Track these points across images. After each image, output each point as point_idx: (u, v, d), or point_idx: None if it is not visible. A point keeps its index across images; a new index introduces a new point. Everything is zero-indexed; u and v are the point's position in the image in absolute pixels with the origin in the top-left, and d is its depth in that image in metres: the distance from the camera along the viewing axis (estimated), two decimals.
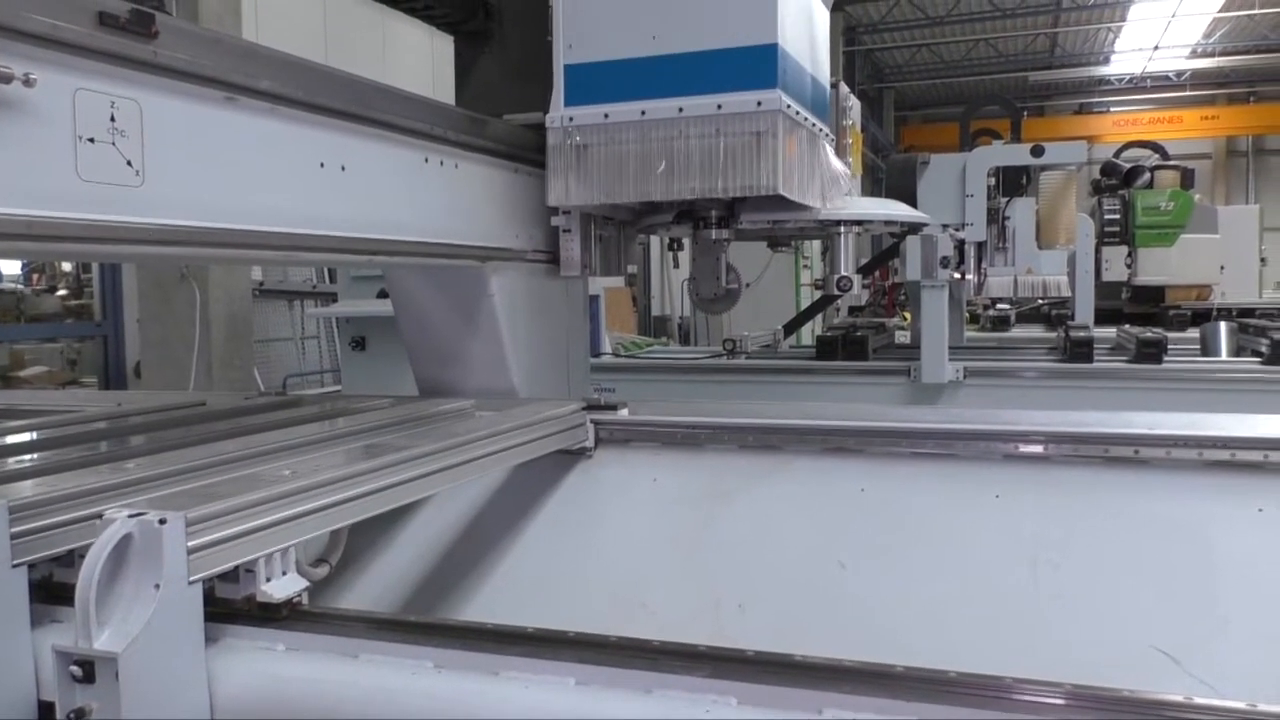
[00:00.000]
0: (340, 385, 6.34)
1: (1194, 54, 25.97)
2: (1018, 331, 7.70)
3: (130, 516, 1.23)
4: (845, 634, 2.01)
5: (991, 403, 4.57)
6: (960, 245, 5.15)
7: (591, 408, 2.42)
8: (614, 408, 2.45)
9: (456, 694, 1.22)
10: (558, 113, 2.47)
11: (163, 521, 1.22)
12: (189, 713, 1.25)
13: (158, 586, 1.21)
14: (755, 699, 1.14)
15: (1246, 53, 25.67)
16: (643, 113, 2.38)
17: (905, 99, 34.31)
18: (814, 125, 2.62)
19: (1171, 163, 8.99)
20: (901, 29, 27.06)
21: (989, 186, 5.25)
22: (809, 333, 7.19)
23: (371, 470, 1.61)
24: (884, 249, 6.91)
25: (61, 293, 10.69)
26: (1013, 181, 5.36)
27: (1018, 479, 2.10)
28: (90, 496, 1.45)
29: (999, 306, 7.34)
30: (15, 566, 1.33)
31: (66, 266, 11.20)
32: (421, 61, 11.95)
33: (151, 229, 1.67)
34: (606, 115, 2.42)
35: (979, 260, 5.36)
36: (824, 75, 2.74)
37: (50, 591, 1.40)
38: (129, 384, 6.86)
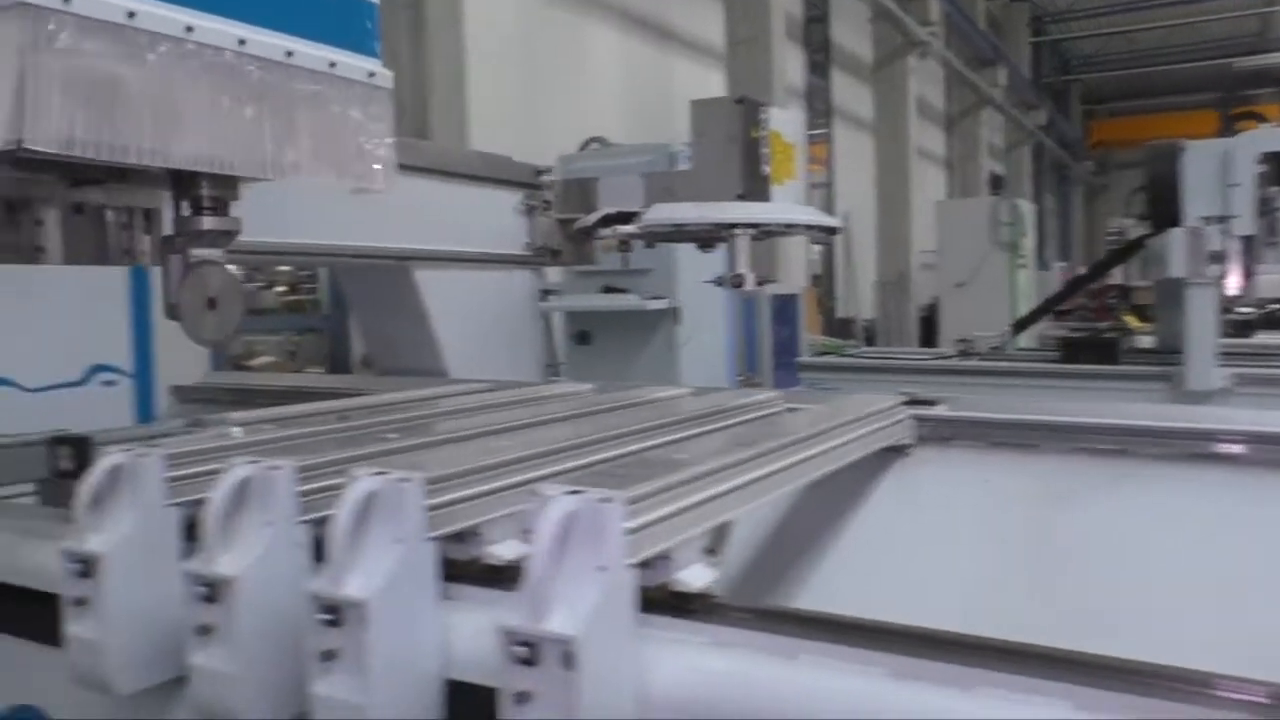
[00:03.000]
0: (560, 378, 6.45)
1: None
2: (1264, 337, 7.04)
3: (568, 495, 1.17)
4: (1226, 659, 1.78)
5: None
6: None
7: (911, 402, 2.26)
8: (931, 403, 2.29)
9: (924, 710, 1.09)
10: None
11: (606, 500, 1.15)
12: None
13: (603, 569, 1.13)
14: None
15: None
16: None
17: (1092, 93, 32.55)
18: (269, 52, 1.62)
19: None
20: (1091, 17, 25.64)
21: (1259, 175, 4.79)
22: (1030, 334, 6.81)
23: (755, 457, 1.52)
24: (1119, 248, 6.44)
25: (279, 289, 11.35)
26: None
27: None
28: (494, 470, 1.42)
29: (1271, 308, 6.72)
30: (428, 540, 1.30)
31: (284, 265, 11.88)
32: (614, 61, 12.14)
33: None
34: None
35: (1247, 256, 4.91)
36: None
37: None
38: (359, 373, 7.15)
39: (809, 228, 2.94)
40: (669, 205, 2.82)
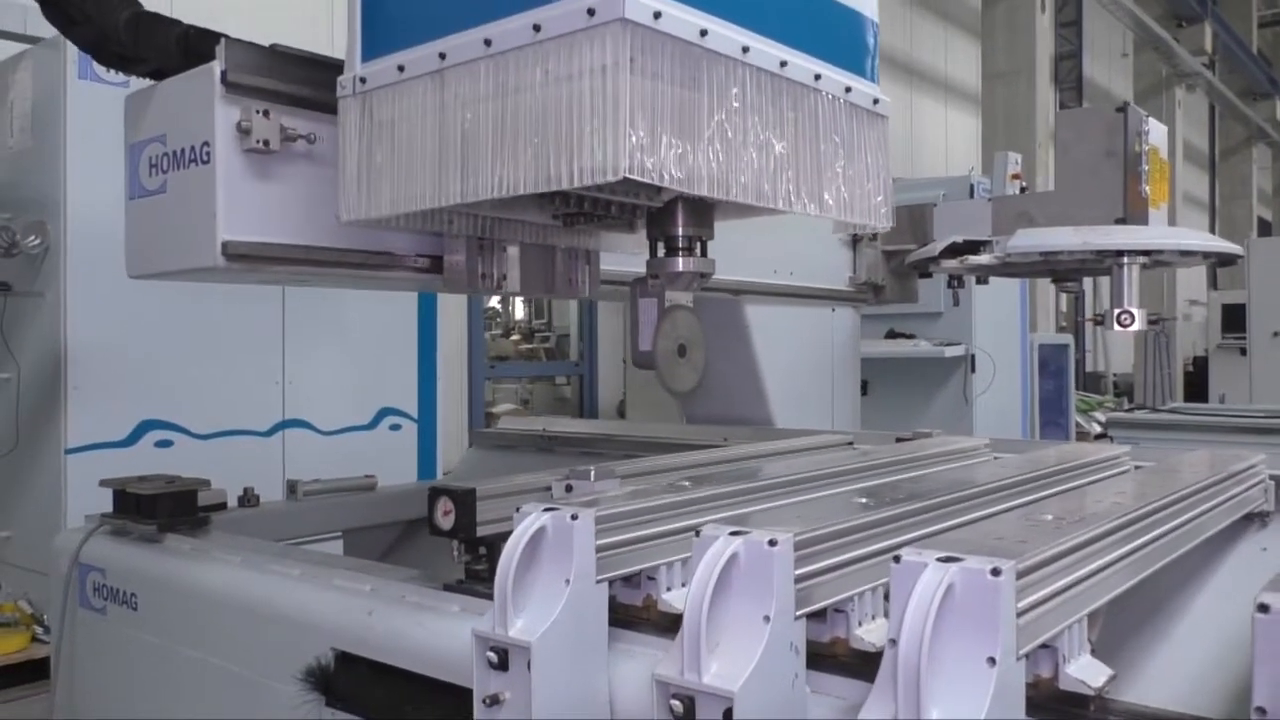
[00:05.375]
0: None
1: None
2: None
3: (943, 562, 0.96)
4: None
5: None
6: None
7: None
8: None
9: None
10: (350, 73, 1.63)
11: (995, 573, 0.94)
12: None
13: (993, 661, 0.92)
14: None
15: None
16: (442, 56, 1.47)
17: None
18: (802, 75, 1.53)
19: None
20: None
21: None
22: None
23: (1135, 522, 1.26)
24: None
25: (514, 338, 11.76)
26: None
27: None
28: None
29: None
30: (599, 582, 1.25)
31: (519, 314, 12.33)
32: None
33: None
34: (401, 68, 1.54)
35: None
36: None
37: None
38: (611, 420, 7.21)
39: (1207, 255, 2.48)
40: (1040, 231, 2.46)
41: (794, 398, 2.92)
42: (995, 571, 0.93)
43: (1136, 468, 1.91)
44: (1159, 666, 1.82)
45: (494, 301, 11.63)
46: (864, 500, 1.34)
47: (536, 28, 1.33)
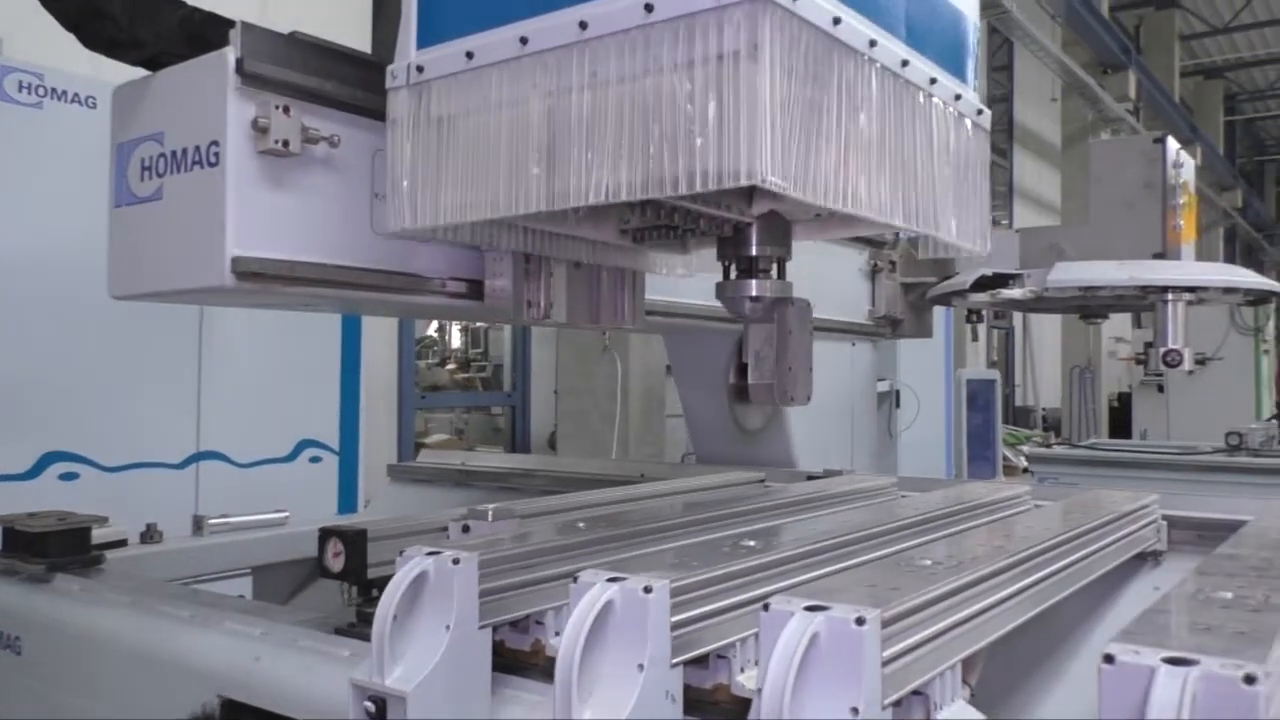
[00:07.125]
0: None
1: None
2: None
3: (807, 611, 0.96)
4: None
5: None
6: None
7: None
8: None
9: None
10: (404, 61, 1.44)
11: (858, 622, 0.94)
12: None
13: (855, 711, 0.92)
14: None
15: None
16: (523, 41, 1.30)
17: None
18: (919, 78, 1.39)
19: None
20: None
21: None
22: None
23: (1016, 565, 1.28)
24: None
25: (450, 367, 11.65)
26: None
27: None
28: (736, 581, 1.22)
29: None
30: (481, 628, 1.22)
31: (455, 343, 12.22)
32: None
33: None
34: (470, 55, 1.36)
35: None
36: None
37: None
38: (541, 453, 7.14)
39: (1248, 293, 2.42)
40: (1080, 265, 2.40)
41: (816, 435, 2.83)
42: (860, 620, 0.93)
43: (1037, 506, 1.94)
44: (1054, 707, 1.84)
45: (431, 330, 11.52)
46: (752, 543, 1.33)
47: (649, 8, 1.17)
